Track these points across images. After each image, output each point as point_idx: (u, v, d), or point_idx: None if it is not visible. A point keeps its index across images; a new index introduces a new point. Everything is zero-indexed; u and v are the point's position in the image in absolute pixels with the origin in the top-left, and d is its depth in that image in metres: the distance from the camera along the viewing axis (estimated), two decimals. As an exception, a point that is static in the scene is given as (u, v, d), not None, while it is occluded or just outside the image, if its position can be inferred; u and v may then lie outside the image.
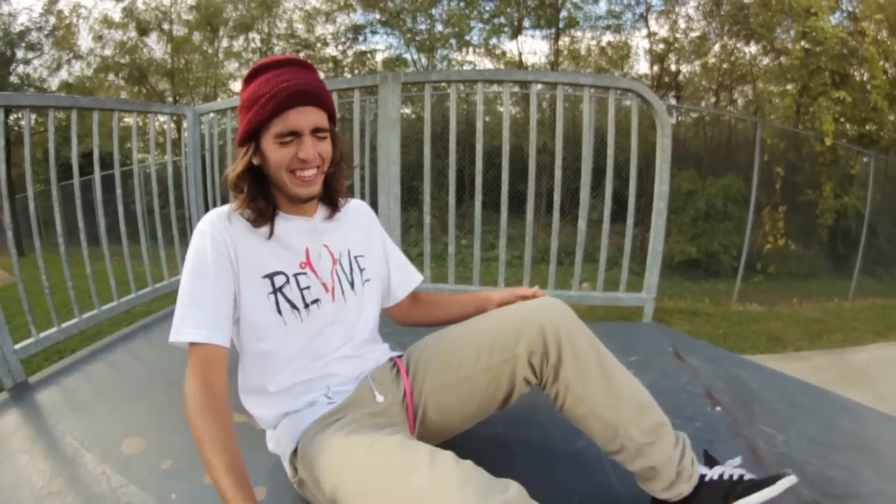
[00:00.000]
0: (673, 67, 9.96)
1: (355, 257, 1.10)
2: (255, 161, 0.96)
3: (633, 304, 2.24)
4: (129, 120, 2.37)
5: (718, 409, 1.43)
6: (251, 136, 0.95)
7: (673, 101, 9.95)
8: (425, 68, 9.81)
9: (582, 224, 2.18)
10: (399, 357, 1.10)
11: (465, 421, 1.06)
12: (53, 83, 13.27)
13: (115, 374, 1.83)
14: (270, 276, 0.98)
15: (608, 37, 9.94)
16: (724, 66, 9.30)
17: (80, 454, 1.30)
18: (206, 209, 2.73)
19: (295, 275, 1.00)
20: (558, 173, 2.16)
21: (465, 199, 2.47)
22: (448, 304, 1.23)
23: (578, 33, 9.95)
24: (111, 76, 11.16)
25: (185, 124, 2.69)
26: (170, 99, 11.07)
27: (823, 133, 6.44)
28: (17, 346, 1.76)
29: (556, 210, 2.16)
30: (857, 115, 7.17)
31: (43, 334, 1.90)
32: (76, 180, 2.05)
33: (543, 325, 0.95)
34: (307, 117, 0.93)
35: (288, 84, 0.91)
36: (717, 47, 9.24)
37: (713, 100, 10.12)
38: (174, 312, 0.91)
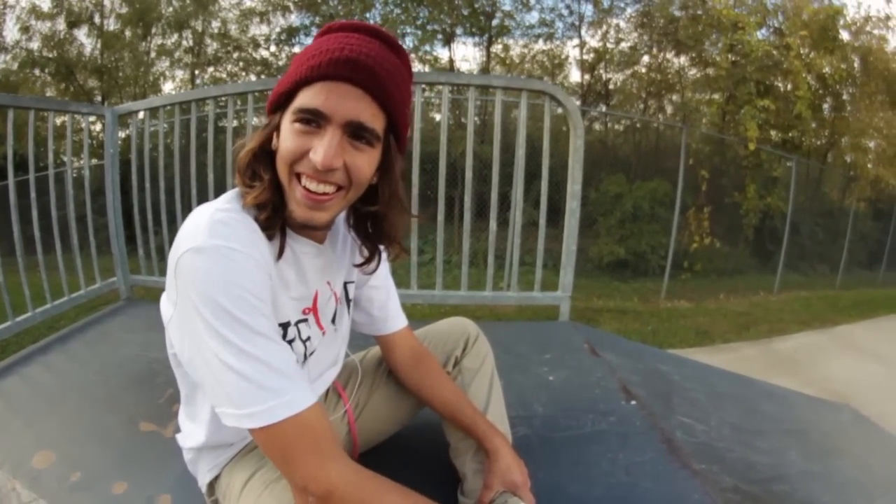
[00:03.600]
0: (604, 76, 10.39)
1: (346, 284, 0.92)
2: (274, 142, 0.69)
3: (548, 303, 2.29)
4: (51, 120, 2.23)
5: (633, 402, 1.43)
6: (278, 106, 0.68)
7: (603, 108, 10.39)
8: None
9: (493, 224, 2.23)
10: (338, 379, 1.04)
11: (399, 421, 1.11)
12: None
13: (27, 388, 1.74)
14: (284, 327, 0.76)
15: (540, 45, 10.24)
16: (654, 75, 9.78)
17: None
18: (127, 218, 2.57)
19: (297, 323, 0.79)
20: (469, 174, 2.20)
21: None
22: (442, 400, 0.97)
23: (511, 41, 10.22)
24: (37, 71, 10.43)
25: (105, 119, 2.53)
26: (98, 97, 10.48)
27: (748, 138, 6.88)
28: None
29: (466, 211, 2.20)
30: (781, 122, 7.75)
31: None
32: None
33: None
34: (346, 101, 0.63)
35: (346, 48, 0.63)
36: (646, 58, 9.72)
37: (642, 107, 10.62)
38: (220, 388, 0.61)
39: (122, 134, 2.74)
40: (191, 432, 0.86)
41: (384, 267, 0.98)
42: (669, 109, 10.47)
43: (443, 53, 10.02)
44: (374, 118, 0.65)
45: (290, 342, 0.77)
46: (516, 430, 1.25)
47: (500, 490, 0.90)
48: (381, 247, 0.84)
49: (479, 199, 2.36)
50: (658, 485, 1.08)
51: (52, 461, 1.26)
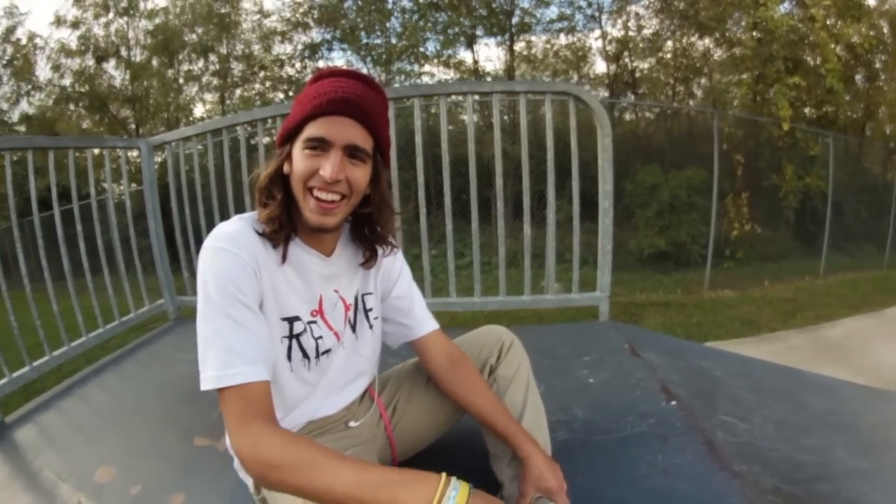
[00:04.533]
0: (629, 65, 10.20)
1: (363, 296, 1.02)
2: (286, 168, 0.86)
3: (587, 305, 2.25)
4: (90, 154, 2.36)
5: (674, 403, 1.41)
6: (287, 138, 0.86)
7: (632, 98, 10.19)
8: (384, 83, 9.96)
9: (527, 228, 2.22)
10: (372, 387, 1.10)
11: (438, 429, 1.12)
12: (14, 115, 13.13)
13: (87, 408, 1.85)
14: (290, 321, 0.89)
15: (563, 39, 10.13)
16: (680, 60, 9.54)
17: (57, 486, 1.34)
18: (170, 239, 2.71)
19: (308, 322, 0.92)
20: (499, 181, 2.19)
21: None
22: (477, 406, 0.99)
23: (533, 38, 10.14)
24: (71, 106, 11.00)
25: (141, 151, 2.68)
26: (132, 125, 10.95)
27: (781, 118, 6.61)
28: None
29: (500, 218, 2.19)
30: (813, 98, 7.43)
31: (16, 374, 1.91)
32: (36, 218, 2.05)
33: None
34: (344, 130, 0.81)
35: (339, 90, 0.82)
36: (669, 43, 9.49)
37: (671, 93, 10.36)
38: (200, 354, 0.77)
39: (157, 158, 2.85)
40: None
41: (404, 278, 1.07)
42: (699, 94, 10.21)
43: (466, 56, 10.07)
44: (364, 141, 0.83)
45: (297, 335, 0.90)
46: (556, 434, 1.25)
47: (536, 496, 0.90)
48: (381, 251, 0.98)
49: (515, 199, 2.35)
50: (697, 487, 1.07)
51: (113, 476, 1.34)
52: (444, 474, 0.68)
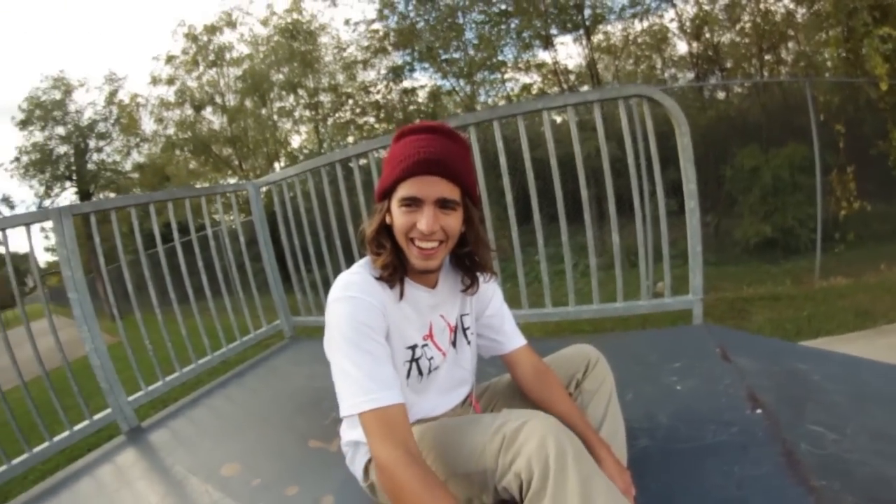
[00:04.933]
0: (711, 41, 9.48)
1: (462, 316, 1.15)
2: (388, 220, 0.98)
3: (679, 308, 2.20)
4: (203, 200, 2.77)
5: (759, 411, 1.37)
6: (384, 195, 0.98)
7: (719, 75, 9.48)
8: (468, 95, 10.14)
9: (615, 237, 2.23)
10: (471, 394, 1.22)
11: None
12: (127, 164, 15.11)
13: (213, 415, 2.15)
14: (412, 348, 1.04)
15: (639, 25, 9.68)
16: (763, 27, 8.65)
17: (187, 478, 1.60)
18: (282, 264, 3.08)
19: (423, 346, 1.07)
20: (584, 192, 2.22)
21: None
22: (558, 413, 1.02)
23: (609, 27, 9.79)
24: (177, 151, 12.38)
25: (249, 192, 3.08)
26: (235, 162, 12.07)
27: (877, 77, 5.76)
28: (131, 398, 2.15)
29: (588, 228, 2.22)
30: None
31: (151, 387, 2.28)
32: (160, 248, 2.42)
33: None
34: (432, 187, 0.92)
35: (421, 151, 0.92)
36: (747, 12, 8.67)
37: (758, 65, 9.44)
38: (340, 386, 0.90)
39: (263, 188, 3.22)
40: (350, 433, 1.13)
41: (497, 299, 1.20)
42: (790, 60, 9.26)
43: (545, 56, 9.98)
44: (452, 192, 0.94)
45: (417, 359, 1.05)
46: (638, 441, 1.31)
47: None
48: (480, 276, 1.10)
49: (600, 205, 2.37)
50: (768, 501, 1.04)
51: (237, 471, 1.58)
52: None
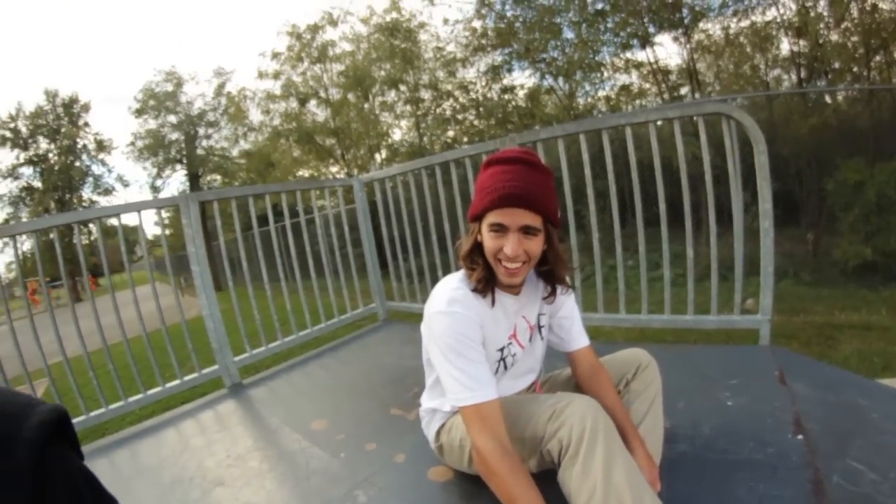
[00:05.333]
0: (817, 39, 8.60)
1: (539, 316, 1.33)
2: (479, 238, 1.16)
3: (747, 327, 2.21)
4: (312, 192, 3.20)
5: (800, 437, 1.39)
6: (476, 218, 1.16)
7: (825, 78, 8.63)
8: (567, 94, 10.06)
9: (690, 251, 2.28)
10: (537, 381, 1.42)
11: None
12: (234, 151, 16.72)
13: (307, 380, 2.47)
14: (501, 350, 1.23)
15: (739, 24, 9.04)
16: (870, 24, 7.66)
17: (280, 427, 1.91)
18: (379, 249, 3.43)
19: (508, 345, 1.25)
20: (662, 206, 2.29)
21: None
22: (604, 405, 1.13)
23: (709, 26, 9.26)
24: (282, 140, 13.25)
25: (355, 186, 3.44)
26: (338, 151, 12.78)
27: None
28: (236, 358, 2.53)
29: (664, 241, 2.28)
30: None
31: (255, 351, 2.66)
32: (272, 229, 2.79)
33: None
34: (517, 218, 1.08)
35: (507, 185, 1.07)
36: (854, 6, 7.75)
37: (867, 67, 8.39)
38: (446, 384, 1.12)
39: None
40: (429, 402, 1.37)
41: (569, 303, 1.38)
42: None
43: (642, 56, 9.71)
44: (534, 220, 1.09)
45: (504, 358, 1.24)
46: (677, 444, 1.42)
47: None
48: (560, 290, 1.28)
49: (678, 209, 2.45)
50: None
51: (324, 426, 1.87)
52: None
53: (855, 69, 8.52)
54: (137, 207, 2.33)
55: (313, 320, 3.00)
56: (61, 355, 2.11)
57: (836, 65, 8.66)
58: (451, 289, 1.18)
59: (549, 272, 1.22)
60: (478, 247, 1.17)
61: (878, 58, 8.24)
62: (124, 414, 2.29)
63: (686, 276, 2.37)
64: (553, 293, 1.26)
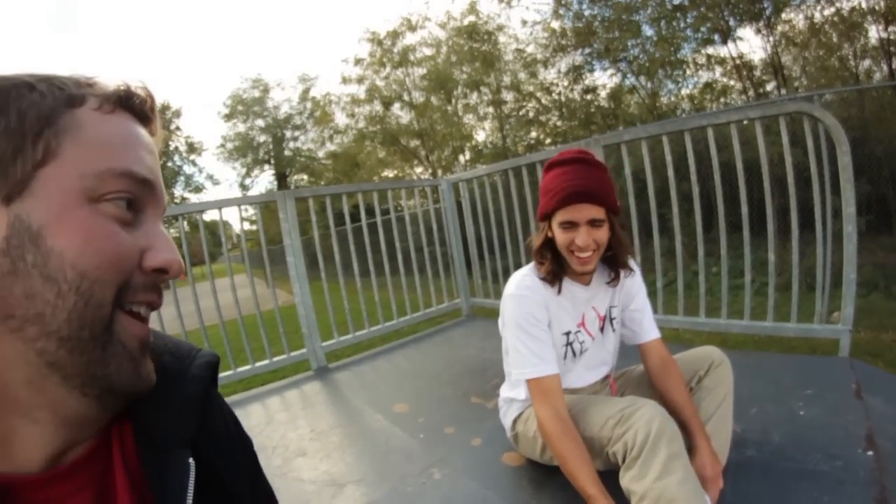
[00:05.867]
0: None
1: (610, 308, 1.39)
2: (550, 235, 1.27)
3: (827, 336, 2.16)
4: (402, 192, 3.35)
5: (870, 453, 1.35)
6: (546, 217, 1.28)
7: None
8: (649, 93, 9.77)
9: (771, 256, 2.26)
10: (610, 375, 1.48)
11: None
12: (321, 152, 17.44)
13: (391, 367, 2.60)
14: (567, 334, 1.33)
15: (826, 11, 8.24)
16: None
17: (362, 408, 2.03)
18: (465, 246, 3.55)
19: (576, 332, 1.34)
20: (744, 209, 2.27)
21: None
22: (673, 398, 1.27)
23: (792, 15, 8.54)
24: (367, 142, 13.70)
25: (442, 187, 3.62)
26: (422, 153, 13.05)
27: None
28: (324, 344, 2.72)
29: (746, 244, 2.25)
30: None
31: (342, 337, 2.85)
32: (364, 227, 3.01)
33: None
34: (583, 213, 1.19)
35: (570, 184, 1.19)
36: None
37: None
38: (514, 359, 1.26)
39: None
40: (507, 392, 1.47)
41: (641, 295, 1.44)
42: None
43: (724, 50, 9.23)
44: (598, 212, 1.21)
45: (570, 343, 1.35)
46: (745, 449, 1.43)
47: None
48: (623, 274, 1.35)
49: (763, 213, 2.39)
50: None
51: (406, 410, 1.97)
52: None
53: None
54: (238, 202, 2.62)
55: (399, 313, 3.18)
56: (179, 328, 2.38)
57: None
58: (521, 275, 1.33)
59: (613, 257, 1.31)
60: (547, 243, 1.29)
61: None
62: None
63: (768, 285, 2.34)
64: (617, 277, 1.34)
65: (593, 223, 1.20)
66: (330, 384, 2.39)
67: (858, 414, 1.61)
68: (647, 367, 1.40)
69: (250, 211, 14.43)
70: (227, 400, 2.14)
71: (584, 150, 1.28)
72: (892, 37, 7.94)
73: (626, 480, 1.03)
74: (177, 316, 2.33)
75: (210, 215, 2.70)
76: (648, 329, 1.42)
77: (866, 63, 8.66)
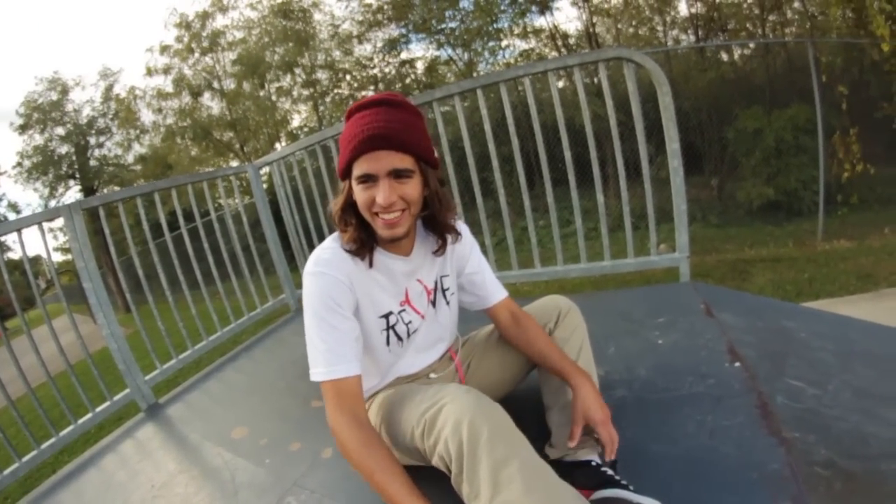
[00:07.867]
0: (712, 1, 9.26)
1: (441, 278, 1.18)
2: (352, 197, 1.01)
3: (667, 266, 2.26)
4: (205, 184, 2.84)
5: (737, 364, 1.38)
6: (344, 175, 1.01)
7: (721, 37, 9.29)
8: (466, 64, 10.08)
9: (600, 197, 2.28)
10: (451, 348, 1.29)
11: (507, 382, 1.29)
12: (129, 157, 15.21)
13: (224, 386, 2.27)
14: (386, 317, 1.09)
15: None
16: None
17: (201, 443, 1.73)
18: (285, 241, 3.20)
19: (399, 312, 1.10)
20: (567, 154, 2.27)
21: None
22: (536, 349, 1.17)
23: None
24: (178, 139, 12.45)
25: (248, 174, 3.15)
26: (236, 145, 12.16)
27: (881, 38, 5.57)
28: (147, 377, 2.27)
29: (573, 189, 2.27)
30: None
31: (165, 365, 2.40)
32: (168, 238, 2.54)
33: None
34: (381, 162, 0.93)
35: (365, 128, 0.93)
36: None
37: (761, 26, 9.20)
38: (309, 354, 0.99)
39: (263, 170, 3.31)
40: None
41: (475, 256, 1.24)
42: (796, 21, 9.03)
43: (542, 22, 9.85)
44: (403, 161, 0.95)
45: (393, 326, 1.10)
46: (615, 391, 1.38)
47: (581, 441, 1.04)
48: (450, 239, 1.13)
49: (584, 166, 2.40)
50: (738, 450, 1.06)
51: (245, 433, 1.70)
52: None
53: (751, 28, 9.16)
54: (16, 226, 1.97)
55: (222, 323, 2.73)
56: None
57: (732, 24, 9.26)
58: (321, 248, 1.06)
59: (432, 218, 1.08)
60: (351, 206, 1.03)
61: (772, 17, 8.93)
62: (40, 464, 1.97)
63: (598, 230, 2.37)
64: (444, 245, 1.12)
65: (398, 175, 0.95)
66: (163, 423, 2.05)
67: (714, 331, 1.65)
68: (500, 328, 1.26)
69: (60, 238, 12.33)
70: (57, 476, 1.61)
71: (391, 93, 1.03)
72: (699, 11, 9.30)
73: (463, 498, 0.84)
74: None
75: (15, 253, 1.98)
76: (493, 291, 1.26)
77: (674, 32, 10.01)
